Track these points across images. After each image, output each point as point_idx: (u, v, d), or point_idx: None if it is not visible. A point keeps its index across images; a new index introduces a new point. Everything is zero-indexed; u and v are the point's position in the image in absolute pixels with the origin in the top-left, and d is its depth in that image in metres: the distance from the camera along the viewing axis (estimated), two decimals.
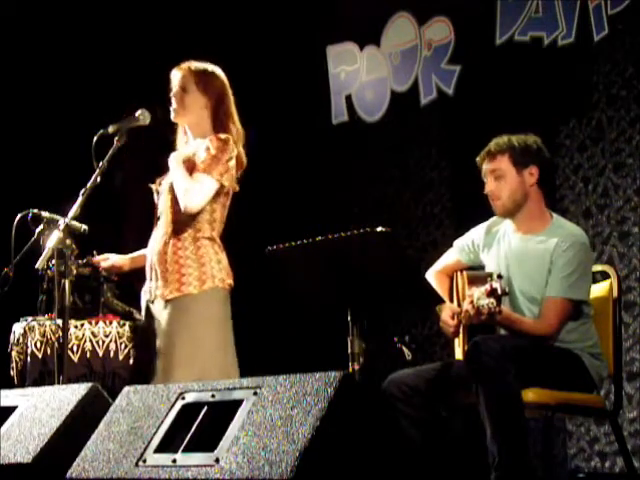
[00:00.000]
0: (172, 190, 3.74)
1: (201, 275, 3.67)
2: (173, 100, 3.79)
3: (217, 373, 3.60)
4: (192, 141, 3.82)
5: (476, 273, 3.66)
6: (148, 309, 3.78)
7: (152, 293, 3.74)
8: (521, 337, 3.50)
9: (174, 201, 3.72)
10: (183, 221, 3.70)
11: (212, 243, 3.73)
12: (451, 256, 3.87)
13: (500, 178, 3.62)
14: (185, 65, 3.82)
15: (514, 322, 3.50)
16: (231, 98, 3.83)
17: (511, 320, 3.49)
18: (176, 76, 3.81)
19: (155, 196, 3.89)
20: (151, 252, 3.80)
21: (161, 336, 3.69)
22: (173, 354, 3.63)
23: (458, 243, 3.86)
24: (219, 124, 3.77)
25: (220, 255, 3.75)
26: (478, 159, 3.70)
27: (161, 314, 3.71)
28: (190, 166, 3.70)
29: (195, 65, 3.81)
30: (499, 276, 3.38)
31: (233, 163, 3.71)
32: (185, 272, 3.66)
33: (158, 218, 3.81)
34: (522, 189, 3.61)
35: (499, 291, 3.25)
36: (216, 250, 3.74)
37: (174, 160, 3.74)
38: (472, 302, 3.32)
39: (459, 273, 3.75)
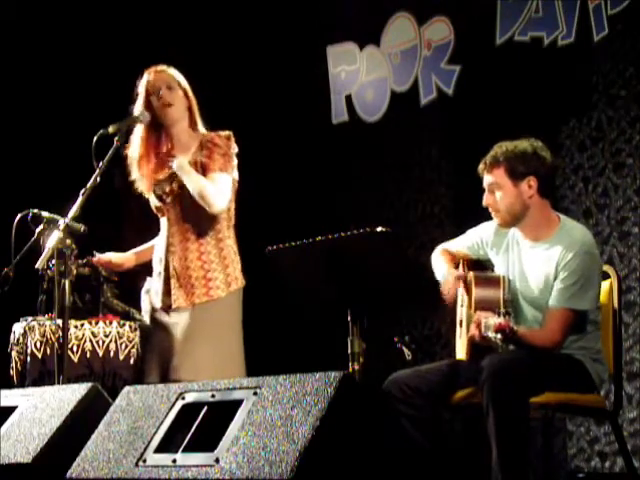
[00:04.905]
0: (183, 196, 3.79)
1: (226, 277, 3.78)
2: (165, 97, 3.86)
3: (237, 371, 3.73)
4: (179, 141, 3.91)
5: (484, 275, 3.60)
6: (157, 315, 3.82)
7: (172, 301, 3.77)
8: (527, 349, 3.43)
9: (190, 207, 3.77)
10: (203, 225, 3.80)
11: (232, 243, 3.87)
12: (461, 244, 3.80)
13: (497, 191, 3.53)
14: (163, 68, 3.94)
15: (519, 339, 3.40)
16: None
17: (517, 338, 3.40)
18: (159, 78, 3.90)
19: (154, 200, 3.90)
20: (163, 259, 3.83)
21: (185, 338, 3.75)
22: (201, 355, 3.71)
23: (467, 241, 3.77)
24: (195, 122, 3.93)
25: (238, 255, 3.90)
26: (479, 169, 3.62)
27: (183, 317, 3.76)
28: (198, 169, 3.79)
29: (171, 69, 3.95)
30: (508, 313, 3.28)
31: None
32: (212, 276, 3.76)
33: (170, 225, 3.84)
34: (520, 201, 3.51)
35: (507, 331, 3.21)
36: (235, 250, 3.88)
37: (182, 166, 3.78)
38: (479, 327, 3.27)
39: (469, 272, 3.66)
